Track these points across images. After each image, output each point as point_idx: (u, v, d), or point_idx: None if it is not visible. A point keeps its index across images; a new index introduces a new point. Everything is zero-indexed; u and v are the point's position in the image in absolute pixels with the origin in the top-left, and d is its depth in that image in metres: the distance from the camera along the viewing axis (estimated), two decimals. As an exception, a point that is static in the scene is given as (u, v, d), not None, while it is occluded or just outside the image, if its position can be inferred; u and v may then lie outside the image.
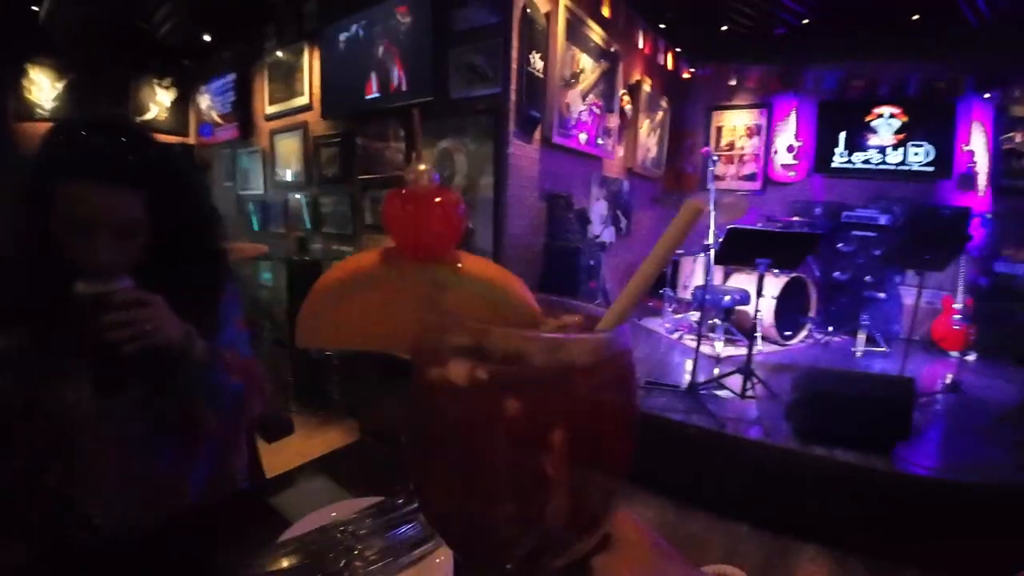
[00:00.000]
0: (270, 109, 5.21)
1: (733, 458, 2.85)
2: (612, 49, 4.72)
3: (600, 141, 4.74)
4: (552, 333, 0.29)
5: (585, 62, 4.37)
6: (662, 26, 5.59)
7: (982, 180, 5.72)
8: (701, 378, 3.52)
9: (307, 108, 4.79)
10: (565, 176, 4.36)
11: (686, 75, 6.48)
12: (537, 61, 3.68)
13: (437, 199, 0.28)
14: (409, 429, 0.28)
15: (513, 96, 3.53)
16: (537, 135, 3.88)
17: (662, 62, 5.89)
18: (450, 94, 3.70)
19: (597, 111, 4.65)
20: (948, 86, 5.72)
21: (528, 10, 3.54)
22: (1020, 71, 5.47)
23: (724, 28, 5.59)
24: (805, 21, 5.38)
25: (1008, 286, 5.11)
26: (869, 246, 5.39)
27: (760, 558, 2.46)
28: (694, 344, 3.64)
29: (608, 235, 5.06)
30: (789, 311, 4.90)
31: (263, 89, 5.24)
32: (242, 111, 5.54)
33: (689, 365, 3.79)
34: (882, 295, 5.22)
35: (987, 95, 5.65)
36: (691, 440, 2.95)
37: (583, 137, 4.46)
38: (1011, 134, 5.60)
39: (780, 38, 5.74)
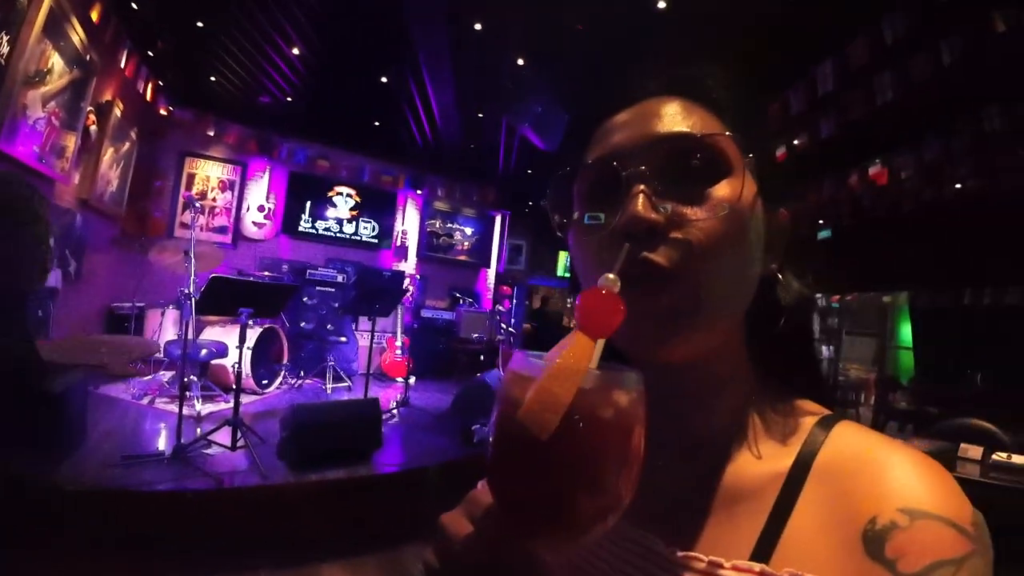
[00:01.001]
0: None
1: (237, 508, 2.81)
2: (89, 58, 3.96)
3: (49, 163, 3.82)
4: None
5: (56, 63, 3.53)
6: (150, 53, 5.09)
7: (412, 251, 7.82)
8: (186, 440, 3.23)
9: None
10: (-5, 196, 3.31)
11: (164, 111, 5.98)
12: (3, 44, 2.80)
13: (620, 299, 0.36)
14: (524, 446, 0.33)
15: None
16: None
17: (141, 90, 5.28)
18: None
19: (56, 122, 3.77)
20: (392, 180, 7.58)
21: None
22: (437, 179, 7.94)
23: (213, 79, 5.54)
24: (289, 99, 5.95)
25: (432, 326, 7.27)
26: (329, 299, 6.34)
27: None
28: (170, 407, 3.35)
29: (55, 279, 4.06)
30: (263, 361, 5.13)
31: None
32: None
33: (168, 429, 3.46)
34: (343, 339, 6.22)
35: (418, 191, 7.89)
36: (189, 506, 2.72)
37: (35, 150, 3.53)
38: (432, 220, 8.08)
39: (264, 105, 6.12)
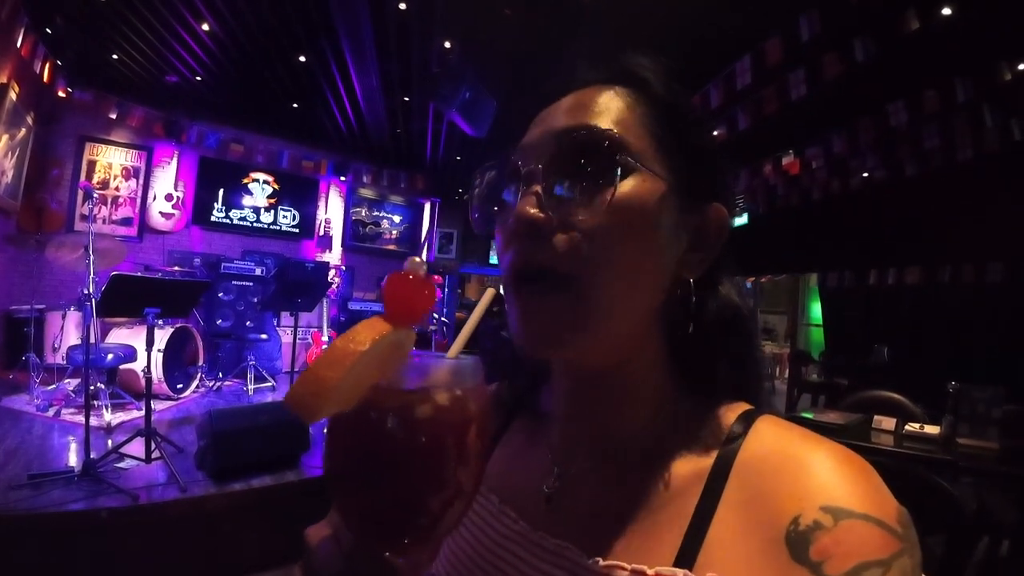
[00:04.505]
0: None
1: (157, 524, 2.60)
2: None
3: None
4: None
5: None
6: (48, 31, 4.52)
7: (336, 241, 7.44)
8: (96, 454, 2.95)
9: None
10: None
11: (62, 93, 5.31)
12: None
13: (428, 283, 0.34)
14: (344, 454, 0.33)
15: None
16: None
17: (38, 71, 4.66)
18: None
19: None
20: (314, 165, 7.15)
21: None
22: (363, 165, 7.55)
23: (114, 57, 5.03)
24: (199, 78, 5.50)
25: (360, 319, 6.84)
26: (247, 294, 5.91)
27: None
28: (77, 418, 3.06)
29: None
30: (177, 363, 4.77)
31: None
32: None
33: (77, 443, 3.15)
34: (264, 336, 5.83)
35: (343, 177, 7.52)
36: (105, 525, 2.48)
37: None
38: (358, 208, 7.73)
39: (170, 85, 5.64)
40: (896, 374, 5.18)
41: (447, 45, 4.50)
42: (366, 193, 7.86)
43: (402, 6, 4.03)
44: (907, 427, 2.50)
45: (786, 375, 8.02)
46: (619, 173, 0.41)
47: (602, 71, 0.47)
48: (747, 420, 0.43)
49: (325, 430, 0.34)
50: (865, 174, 5.51)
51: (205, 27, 4.51)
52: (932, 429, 2.44)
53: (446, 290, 8.87)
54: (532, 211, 0.40)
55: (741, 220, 7.94)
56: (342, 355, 0.30)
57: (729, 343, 0.47)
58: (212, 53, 5.00)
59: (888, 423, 2.55)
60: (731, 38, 3.87)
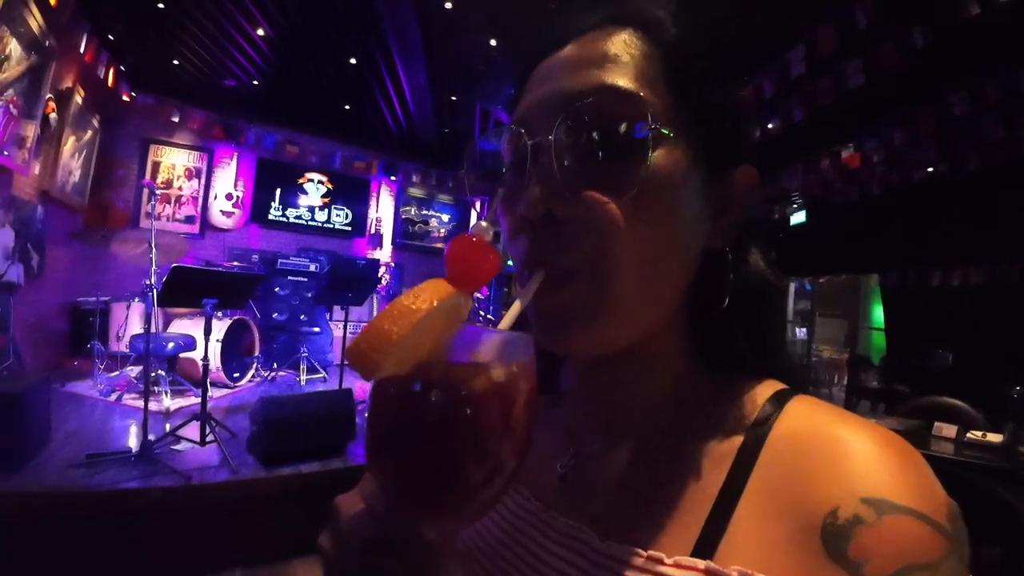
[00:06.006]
0: None
1: (207, 506, 2.73)
2: (48, 43, 3.74)
3: (6, 152, 3.63)
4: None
5: (13, 48, 3.34)
6: (111, 37, 4.83)
7: (387, 239, 7.65)
8: (154, 436, 3.12)
9: None
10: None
11: (126, 98, 5.69)
12: None
13: (493, 249, 0.35)
14: (389, 419, 0.32)
15: None
16: None
17: (102, 76, 5.01)
18: None
19: (14, 111, 3.57)
20: (365, 166, 7.37)
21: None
22: (412, 164, 7.70)
23: (176, 62, 5.33)
24: (255, 82, 5.75)
25: None
26: (302, 289, 6.18)
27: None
28: (137, 402, 3.24)
29: (16, 274, 3.88)
30: (234, 354, 5.02)
31: None
32: None
33: (137, 426, 3.36)
34: (316, 330, 6.05)
35: (393, 177, 7.69)
36: (157, 504, 2.63)
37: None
38: (407, 207, 7.91)
39: (229, 89, 5.91)
40: (959, 379, 4.87)
41: (492, 43, 4.53)
42: (415, 192, 8.02)
43: (448, 5, 4.08)
44: (968, 435, 2.36)
45: (844, 381, 7.65)
46: (643, 145, 0.36)
47: (609, 10, 0.41)
48: (780, 400, 0.39)
49: (370, 394, 0.33)
50: (929, 168, 5.19)
51: (260, 32, 4.70)
52: (994, 437, 2.29)
53: (492, 289, 8.94)
54: (543, 196, 0.36)
55: (798, 218, 7.63)
56: (407, 312, 0.30)
57: (759, 316, 0.43)
58: (267, 57, 5.20)
59: (949, 430, 2.41)
60: (782, 26, 3.73)
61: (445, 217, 8.30)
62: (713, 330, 0.44)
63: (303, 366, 5.37)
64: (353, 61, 5.14)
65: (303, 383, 5.25)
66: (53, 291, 4.72)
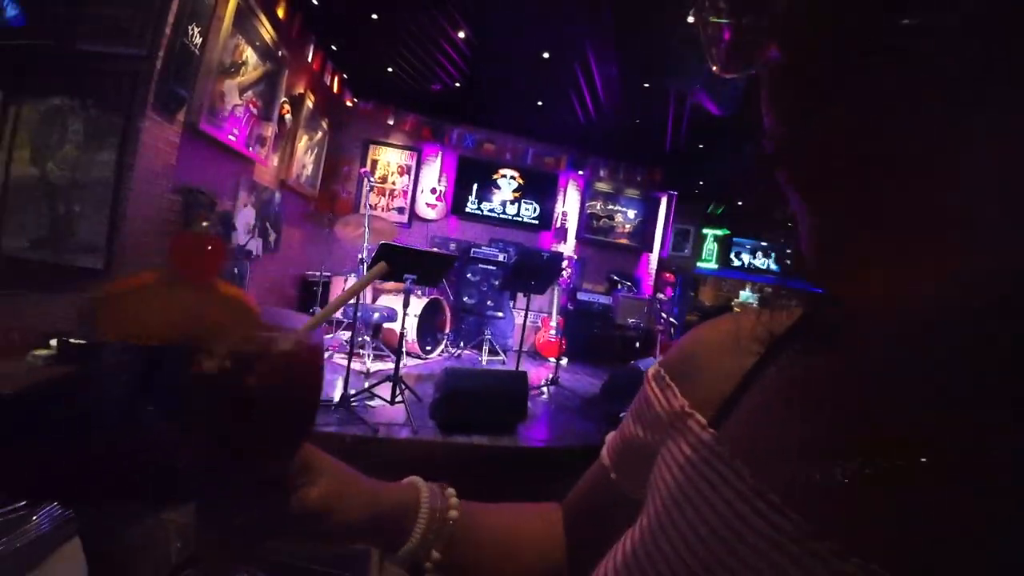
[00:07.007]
0: None
1: (388, 457, 2.99)
2: (280, 53, 4.51)
3: (252, 147, 4.43)
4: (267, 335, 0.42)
5: (249, 56, 4.08)
6: (334, 48, 5.66)
7: (571, 233, 7.72)
8: (353, 391, 3.54)
9: None
10: (209, 172, 3.90)
11: (349, 103, 6.65)
12: (196, 35, 3.24)
13: (213, 247, 0.46)
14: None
15: (159, 64, 3.02)
16: (181, 117, 3.38)
17: (328, 83, 5.91)
18: (76, 42, 2.92)
19: (254, 111, 4.35)
20: (554, 161, 7.58)
21: (192, -25, 3.13)
22: (600, 159, 7.73)
23: (390, 70, 5.99)
24: (457, 84, 6.23)
25: (587, 309, 7.17)
26: (490, 277, 6.54)
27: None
28: (343, 362, 3.67)
29: (255, 246, 4.71)
30: (428, 329, 5.48)
31: None
32: None
33: (340, 381, 3.80)
34: (500, 315, 6.37)
35: (580, 171, 7.74)
36: (347, 449, 2.96)
37: (235, 133, 4.11)
38: (593, 202, 7.90)
39: (435, 93, 6.48)
40: None
41: (691, 19, 4.25)
42: (602, 187, 7.95)
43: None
44: None
45: None
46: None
47: None
48: None
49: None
50: None
51: (461, 35, 5.02)
52: None
53: (677, 290, 8.47)
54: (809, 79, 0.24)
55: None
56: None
57: None
58: (468, 59, 5.56)
59: None
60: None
61: (631, 212, 8.07)
62: None
63: (486, 347, 5.67)
64: (546, 55, 5.24)
65: (484, 363, 5.54)
66: (285, 263, 5.64)
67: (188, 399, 0.37)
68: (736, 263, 9.32)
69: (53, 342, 2.09)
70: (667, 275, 8.34)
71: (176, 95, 3.22)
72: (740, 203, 7.99)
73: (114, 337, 0.40)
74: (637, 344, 6.57)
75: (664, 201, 8.11)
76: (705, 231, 9.12)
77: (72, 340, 2.09)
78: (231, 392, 0.36)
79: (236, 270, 3.84)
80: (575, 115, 6.64)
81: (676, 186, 8.09)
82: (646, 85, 5.60)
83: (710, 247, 9.23)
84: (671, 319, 7.01)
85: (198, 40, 3.29)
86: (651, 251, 8.12)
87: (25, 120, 2.96)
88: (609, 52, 4.89)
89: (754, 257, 9.31)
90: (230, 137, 4.04)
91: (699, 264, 9.20)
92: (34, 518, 0.62)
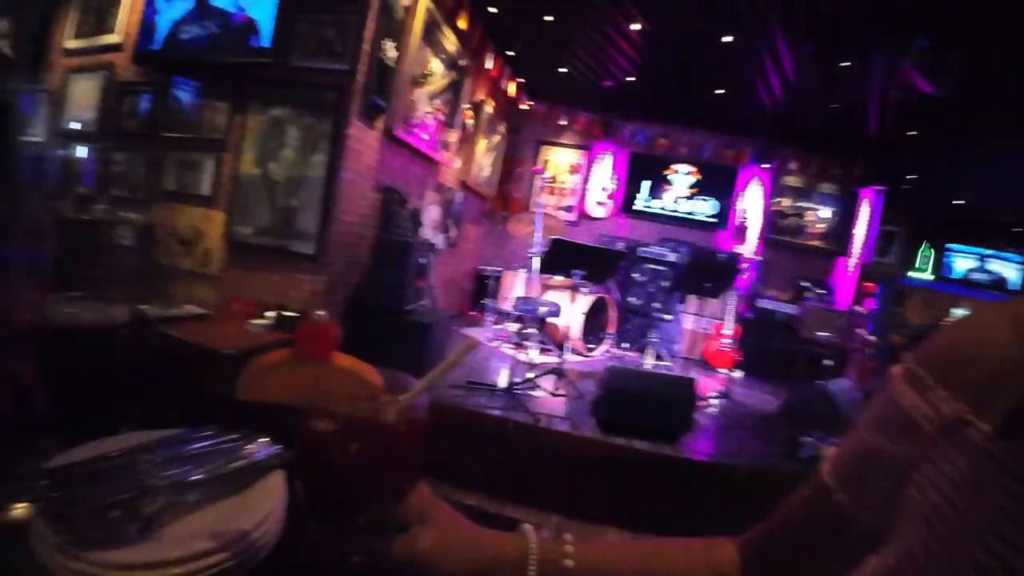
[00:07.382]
0: (71, 44, 4.33)
1: (545, 448, 3.02)
2: (463, 63, 4.85)
3: (438, 150, 4.83)
4: (373, 403, 0.51)
5: (436, 66, 4.44)
6: (510, 54, 5.90)
7: (752, 233, 7.08)
8: (518, 379, 3.68)
9: (117, 48, 4.07)
10: (402, 173, 4.34)
11: (524, 106, 6.90)
12: (391, 50, 3.61)
13: (329, 331, 0.59)
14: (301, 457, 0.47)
15: (361, 77, 3.42)
16: (380, 124, 3.80)
17: (505, 88, 6.20)
18: (291, 60, 3.45)
19: (442, 117, 4.73)
20: (736, 154, 7.05)
21: (388, -4, 3.50)
22: (789, 150, 7.00)
23: (563, 70, 6.08)
24: (630, 79, 6.11)
25: (768, 319, 6.38)
26: (659, 278, 6.24)
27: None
28: (511, 352, 3.84)
29: (439, 241, 5.12)
30: (593, 327, 5.45)
31: (67, 18, 4.31)
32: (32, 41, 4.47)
33: (507, 369, 3.98)
34: (668, 318, 6.07)
35: (765, 165, 7.07)
36: (509, 433, 3.06)
37: (425, 138, 4.49)
38: (779, 199, 7.16)
39: (607, 90, 6.42)
40: None
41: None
42: (791, 181, 7.17)
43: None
44: None
45: None
46: None
47: None
48: None
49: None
50: None
51: (635, 27, 4.89)
52: None
53: (878, 303, 7.28)
54: None
55: None
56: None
57: None
58: (642, 51, 5.39)
59: None
60: None
61: (825, 211, 7.18)
62: None
63: (650, 351, 5.44)
64: (728, 39, 4.89)
65: (648, 367, 5.31)
66: (463, 257, 6.05)
67: (301, 451, 0.46)
68: (954, 275, 7.90)
69: (270, 313, 2.47)
70: (867, 284, 7.24)
71: (376, 105, 3.62)
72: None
73: (253, 400, 0.56)
74: (827, 362, 5.72)
75: (867, 198, 7.07)
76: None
77: (286, 312, 2.46)
78: (335, 450, 0.43)
79: (423, 260, 4.17)
80: (760, 102, 6.11)
81: (881, 180, 7.00)
82: (845, 64, 4.95)
83: (925, 253, 7.91)
84: (869, 336, 6.10)
85: (393, 54, 3.66)
86: (848, 255, 7.13)
87: (250, 128, 3.57)
88: (801, 28, 4.41)
89: (983, 264, 7.80)
90: (422, 140, 4.43)
91: (910, 274, 7.92)
92: (249, 446, 0.72)
